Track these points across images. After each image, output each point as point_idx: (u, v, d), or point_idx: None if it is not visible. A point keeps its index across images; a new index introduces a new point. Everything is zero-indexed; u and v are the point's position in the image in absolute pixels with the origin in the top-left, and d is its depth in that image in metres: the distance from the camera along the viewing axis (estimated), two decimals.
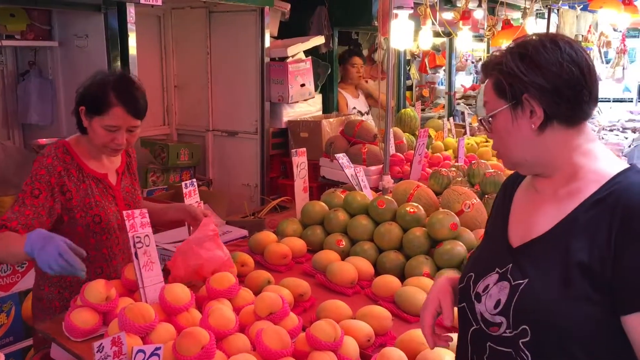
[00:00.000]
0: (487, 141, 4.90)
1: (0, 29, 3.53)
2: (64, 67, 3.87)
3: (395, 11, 3.01)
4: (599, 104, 9.25)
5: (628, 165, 1.26)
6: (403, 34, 3.08)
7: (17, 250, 1.81)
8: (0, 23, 3.52)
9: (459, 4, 5.68)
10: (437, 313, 1.41)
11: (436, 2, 5.20)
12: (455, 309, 1.41)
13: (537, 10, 7.02)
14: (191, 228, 2.38)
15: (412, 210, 2.62)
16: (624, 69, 7.63)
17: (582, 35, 6.76)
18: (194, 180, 2.45)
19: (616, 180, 1.21)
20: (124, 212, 2.02)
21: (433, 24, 5.01)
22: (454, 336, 1.45)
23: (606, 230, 1.15)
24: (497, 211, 1.45)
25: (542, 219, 1.27)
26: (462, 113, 6.53)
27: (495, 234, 1.40)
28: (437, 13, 5.20)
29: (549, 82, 1.21)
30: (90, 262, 2.06)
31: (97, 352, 1.47)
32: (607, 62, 8.47)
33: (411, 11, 3.01)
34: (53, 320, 1.97)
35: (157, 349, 1.55)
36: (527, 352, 1.21)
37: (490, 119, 1.30)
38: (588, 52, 1.26)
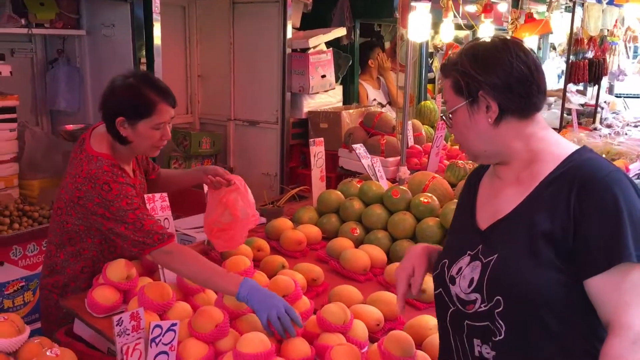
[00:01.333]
0: None
1: (30, 17, 3.63)
2: (91, 55, 3.97)
3: (413, 3, 3.04)
4: (626, 99, 9.09)
5: (577, 146, 1.37)
6: (420, 27, 3.10)
7: (229, 289, 1.86)
8: (30, 12, 3.63)
9: None
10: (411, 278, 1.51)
11: None
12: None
13: (563, 3, 6.94)
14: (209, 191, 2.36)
15: (425, 200, 2.66)
16: None
17: (608, 30, 6.67)
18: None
19: (571, 158, 1.32)
20: (145, 196, 2.10)
21: (455, 16, 5.00)
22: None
23: (565, 203, 1.25)
24: (463, 203, 1.55)
25: (506, 201, 1.38)
26: None
27: (463, 222, 1.49)
28: (460, 6, 5.19)
29: (501, 79, 1.32)
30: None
31: (116, 325, 1.55)
32: (635, 57, 8.33)
33: (429, 4, 3.03)
34: (76, 298, 2.06)
35: (174, 325, 1.63)
36: (501, 321, 1.30)
37: (450, 115, 1.41)
38: (534, 54, 1.39)
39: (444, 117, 1.47)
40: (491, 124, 1.36)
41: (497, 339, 1.31)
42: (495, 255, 1.32)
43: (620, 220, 1.20)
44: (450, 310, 1.41)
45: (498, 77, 1.33)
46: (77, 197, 2.01)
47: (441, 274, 1.45)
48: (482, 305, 1.32)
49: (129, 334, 1.58)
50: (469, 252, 1.39)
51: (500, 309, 1.29)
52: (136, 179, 2.24)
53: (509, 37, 1.40)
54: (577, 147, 1.37)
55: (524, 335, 1.28)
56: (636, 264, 1.19)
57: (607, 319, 1.23)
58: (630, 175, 4.46)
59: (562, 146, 1.37)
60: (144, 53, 3.62)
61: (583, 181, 1.25)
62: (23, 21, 3.58)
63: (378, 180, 3.05)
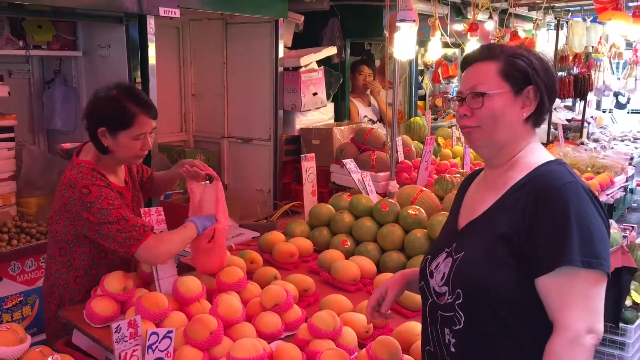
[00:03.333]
0: None
1: (28, 39, 3.72)
2: (88, 75, 4.05)
3: (398, 24, 3.16)
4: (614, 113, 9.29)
5: (554, 158, 1.47)
6: (405, 46, 3.22)
7: (193, 234, 2.19)
8: (28, 34, 3.72)
9: (469, 16, 5.80)
10: (382, 298, 1.70)
11: (447, 15, 5.32)
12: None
13: (548, 21, 7.12)
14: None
15: (413, 212, 2.75)
16: (636, 79, 7.70)
17: (593, 47, 6.84)
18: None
19: (539, 168, 1.43)
20: (141, 210, 2.17)
21: (442, 35, 5.13)
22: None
23: (522, 208, 1.37)
24: (453, 205, 1.67)
25: (482, 204, 1.49)
26: None
27: (448, 223, 1.63)
28: (448, 25, 5.33)
29: (549, 83, 1.44)
30: (114, 268, 2.18)
31: (115, 332, 1.62)
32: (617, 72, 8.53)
33: (413, 24, 3.15)
34: (75, 309, 2.12)
35: (169, 332, 1.70)
36: (460, 312, 1.42)
37: (483, 96, 1.41)
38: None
39: (474, 94, 1.42)
40: (523, 119, 1.44)
41: (457, 328, 1.43)
42: (462, 254, 1.44)
43: (567, 227, 1.30)
44: (429, 301, 1.53)
45: (549, 80, 1.44)
46: (63, 203, 2.11)
47: (424, 268, 1.58)
48: (449, 298, 1.45)
49: (127, 341, 1.65)
50: (446, 249, 1.52)
51: (460, 300, 1.42)
52: (128, 190, 2.32)
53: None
54: (552, 158, 1.46)
55: (478, 326, 1.40)
56: (580, 268, 1.29)
57: (552, 317, 1.34)
58: (615, 188, 4.57)
59: (539, 156, 1.46)
60: (139, 73, 3.70)
61: (540, 190, 1.36)
62: (21, 43, 3.67)
63: (368, 194, 3.14)
